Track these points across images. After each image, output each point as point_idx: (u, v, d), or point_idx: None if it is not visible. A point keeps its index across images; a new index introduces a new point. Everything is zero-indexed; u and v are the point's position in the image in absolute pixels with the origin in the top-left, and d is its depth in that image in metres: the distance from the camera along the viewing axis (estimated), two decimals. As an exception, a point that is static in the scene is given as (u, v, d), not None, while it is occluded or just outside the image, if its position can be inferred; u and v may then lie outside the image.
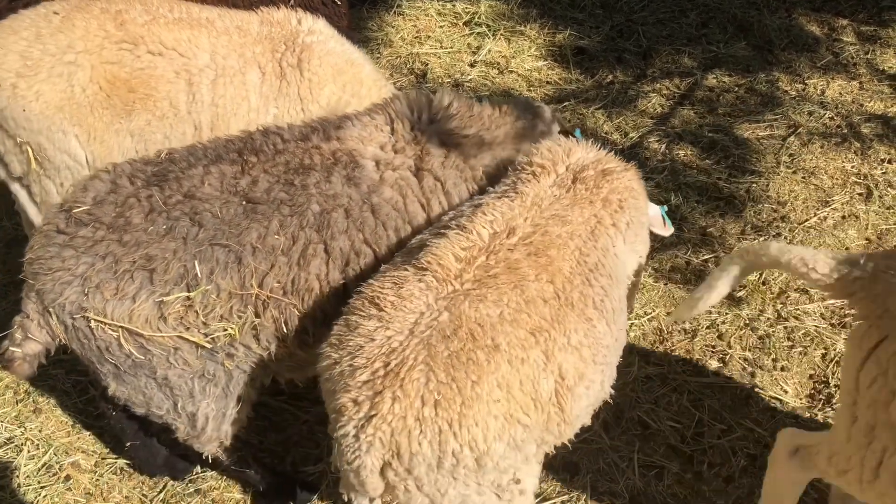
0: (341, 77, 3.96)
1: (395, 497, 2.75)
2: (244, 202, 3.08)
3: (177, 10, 3.87)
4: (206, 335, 3.04)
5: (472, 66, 6.25)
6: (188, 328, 3.00)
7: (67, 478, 3.88)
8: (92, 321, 2.93)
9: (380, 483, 2.67)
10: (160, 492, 3.84)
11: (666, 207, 3.62)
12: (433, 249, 2.85)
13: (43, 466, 3.91)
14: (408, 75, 6.19)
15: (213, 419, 3.26)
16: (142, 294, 2.95)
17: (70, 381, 4.27)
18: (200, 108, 3.75)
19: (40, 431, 4.06)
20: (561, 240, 2.94)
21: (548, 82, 6.11)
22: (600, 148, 3.37)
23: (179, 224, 3.01)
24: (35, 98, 3.63)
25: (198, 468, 3.90)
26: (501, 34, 6.48)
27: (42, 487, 3.84)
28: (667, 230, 3.60)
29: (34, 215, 4.03)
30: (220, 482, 3.87)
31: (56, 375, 4.29)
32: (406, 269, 2.81)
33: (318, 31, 4.02)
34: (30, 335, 3.07)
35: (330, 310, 3.12)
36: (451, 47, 6.43)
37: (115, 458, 3.97)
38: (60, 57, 3.64)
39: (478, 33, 6.52)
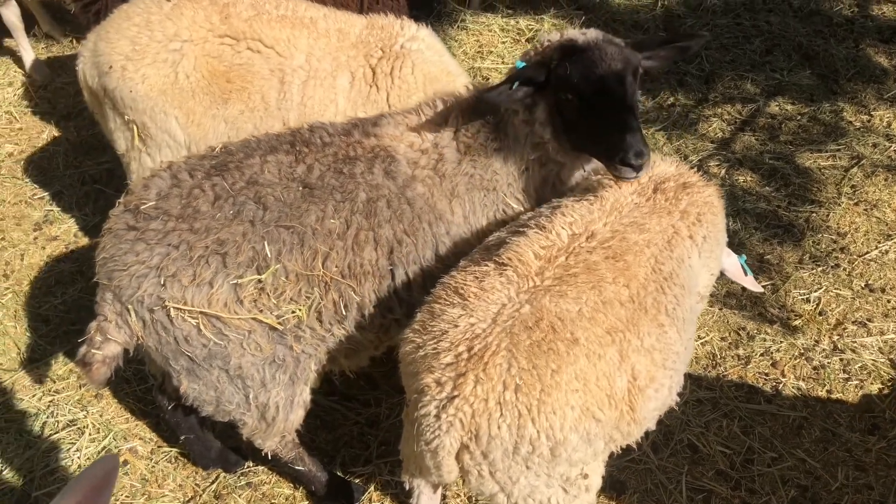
0: (432, 86, 4.03)
1: (467, 482, 2.83)
2: (302, 187, 3.20)
3: (283, 7, 4.02)
4: (277, 317, 3.13)
5: (533, 82, 6.29)
6: (262, 310, 3.10)
7: (125, 462, 4.00)
8: (172, 310, 3.02)
9: (454, 466, 2.76)
10: (212, 482, 3.93)
11: (745, 257, 3.60)
12: (513, 247, 2.96)
13: (102, 450, 4.03)
14: (469, 89, 6.26)
15: (282, 408, 3.35)
16: (218, 278, 3.04)
17: (131, 369, 4.39)
18: (289, 105, 3.90)
19: (101, 416, 4.19)
20: (638, 246, 3.01)
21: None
22: (682, 164, 3.42)
23: (246, 207, 3.11)
24: (141, 81, 3.86)
25: (250, 462, 3.99)
26: (564, 52, 6.51)
27: (100, 470, 3.95)
28: (751, 283, 3.59)
29: None
30: (270, 477, 3.95)
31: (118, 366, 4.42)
32: (486, 265, 2.93)
33: (419, 38, 4.10)
34: (109, 336, 3.13)
35: (382, 294, 3.28)
36: (513, 62, 6.46)
37: (171, 447, 4.08)
38: (166, 44, 3.84)
39: (540, 50, 6.56)
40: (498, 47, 6.68)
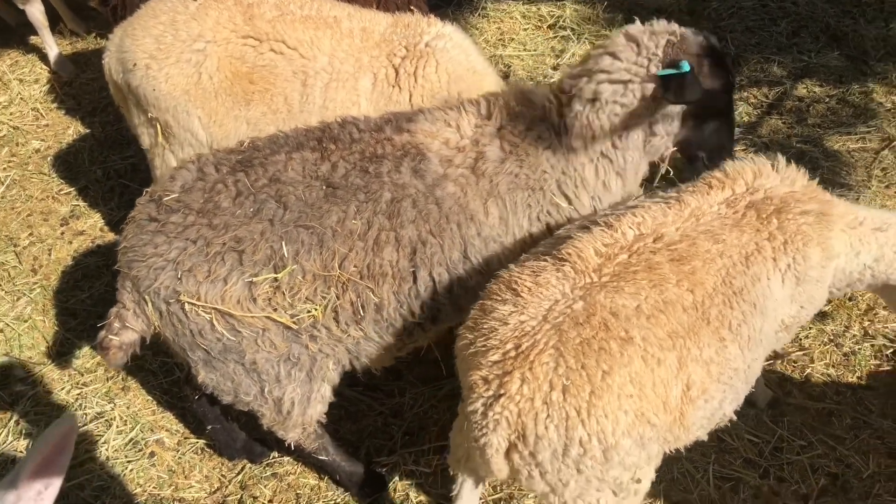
0: (457, 85, 3.98)
1: (518, 482, 2.81)
2: (325, 186, 3.18)
3: (307, 7, 3.99)
4: (291, 316, 3.13)
5: (554, 69, 6.23)
6: (276, 309, 3.10)
7: (152, 454, 4.04)
8: (186, 304, 3.04)
9: (504, 465, 2.74)
10: (238, 473, 3.96)
11: None
12: (575, 242, 2.89)
13: (130, 442, 4.07)
14: (491, 77, 6.22)
15: (298, 404, 3.35)
16: (233, 275, 3.04)
17: (157, 362, 4.43)
18: (312, 108, 3.88)
19: (128, 408, 4.23)
20: (709, 255, 2.90)
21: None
22: (806, 182, 3.20)
23: (266, 206, 3.10)
24: (164, 80, 3.87)
25: (275, 453, 4.01)
26: (586, 38, 6.45)
27: (129, 462, 4.00)
28: None
29: None
30: (296, 467, 3.97)
31: (144, 356, 4.45)
32: (545, 259, 2.88)
33: (445, 36, 4.03)
34: (126, 324, 3.19)
35: (402, 296, 3.23)
36: (535, 50, 6.43)
37: (197, 439, 4.11)
38: (190, 44, 3.85)
39: (562, 37, 6.50)
40: (519, 34, 6.62)
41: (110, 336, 3.19)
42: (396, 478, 3.90)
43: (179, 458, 4.04)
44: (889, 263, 3.26)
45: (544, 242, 3.11)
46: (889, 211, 3.20)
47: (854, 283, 3.33)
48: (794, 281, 3.06)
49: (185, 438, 4.13)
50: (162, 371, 4.40)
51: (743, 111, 5.78)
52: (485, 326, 2.76)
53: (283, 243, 3.07)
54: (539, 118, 3.37)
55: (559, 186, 3.38)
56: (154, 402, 4.28)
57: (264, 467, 3.97)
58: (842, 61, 6.11)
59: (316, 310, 3.14)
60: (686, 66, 3.11)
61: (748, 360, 2.96)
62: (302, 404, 3.36)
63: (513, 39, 6.56)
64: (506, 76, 6.19)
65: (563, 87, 3.36)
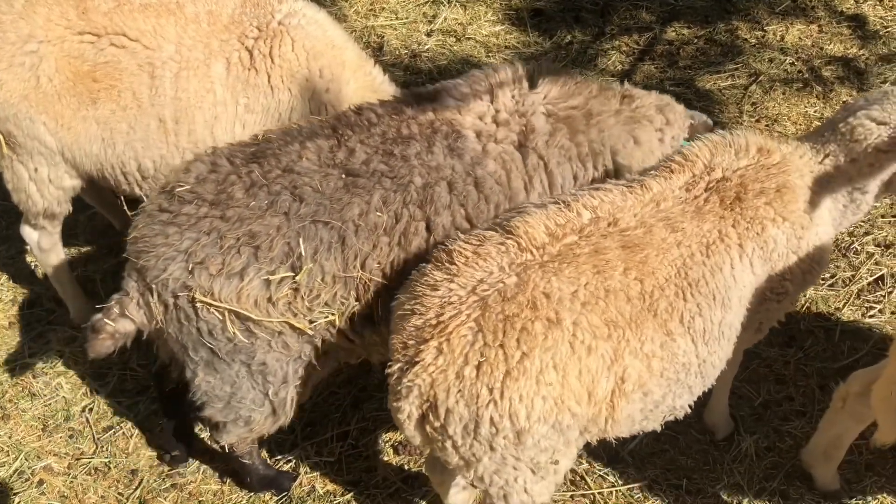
0: (317, 62, 3.82)
1: (434, 452, 2.76)
2: (343, 175, 2.99)
3: None
4: (310, 321, 3.00)
5: (428, 35, 6.14)
6: (295, 314, 2.96)
7: (40, 482, 3.84)
8: (198, 302, 2.89)
9: (416, 433, 2.70)
10: (136, 489, 3.81)
11: None
12: (527, 217, 2.76)
13: (15, 473, 3.86)
14: (364, 49, 6.07)
15: (293, 401, 3.26)
16: (249, 271, 2.89)
17: (39, 382, 4.21)
18: (163, 101, 3.67)
19: (10, 438, 4.00)
20: (665, 244, 2.76)
21: (506, 47, 6.03)
22: (765, 152, 2.98)
23: (280, 198, 2.94)
24: None
25: (167, 467, 3.87)
26: (457, 1, 6.37)
27: (15, 494, 3.79)
28: None
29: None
30: (196, 475, 3.84)
31: (24, 380, 4.23)
32: (494, 230, 2.76)
33: (297, 12, 3.86)
34: (126, 313, 3.05)
35: None
36: (407, 18, 6.31)
37: (90, 459, 3.93)
38: (21, 46, 3.57)
39: (433, 2, 6.40)
40: (390, 3, 6.49)
41: (106, 320, 3.04)
42: (302, 472, 3.82)
43: (71, 481, 3.85)
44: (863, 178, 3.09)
45: (504, 213, 2.97)
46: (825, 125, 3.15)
47: (860, 205, 3.13)
48: (763, 264, 2.93)
49: (77, 460, 3.94)
50: (46, 391, 4.18)
51: (616, 60, 5.82)
52: (416, 290, 2.68)
53: (301, 240, 2.90)
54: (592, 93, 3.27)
55: (613, 156, 3.25)
56: (38, 427, 4.06)
57: (162, 479, 3.83)
58: (707, 1, 6.21)
59: (333, 314, 3.00)
60: None
61: (703, 355, 2.83)
62: (294, 401, 3.25)
63: (384, 9, 6.43)
64: (380, 47, 6.08)
65: None
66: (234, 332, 2.94)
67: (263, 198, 2.94)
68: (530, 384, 2.51)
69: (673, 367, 2.77)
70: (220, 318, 2.93)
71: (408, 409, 2.63)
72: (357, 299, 3.01)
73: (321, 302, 2.97)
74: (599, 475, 3.74)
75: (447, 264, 2.67)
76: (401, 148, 3.05)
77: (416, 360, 2.56)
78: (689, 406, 2.98)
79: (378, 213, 2.96)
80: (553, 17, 6.21)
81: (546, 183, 3.20)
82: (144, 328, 3.09)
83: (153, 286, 2.96)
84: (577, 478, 3.73)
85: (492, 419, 2.53)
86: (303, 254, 2.90)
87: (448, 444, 2.66)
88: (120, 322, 3.06)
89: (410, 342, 2.60)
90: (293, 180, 2.96)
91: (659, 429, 2.98)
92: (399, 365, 2.63)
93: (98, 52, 3.62)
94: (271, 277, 2.90)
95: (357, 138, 3.08)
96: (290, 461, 3.87)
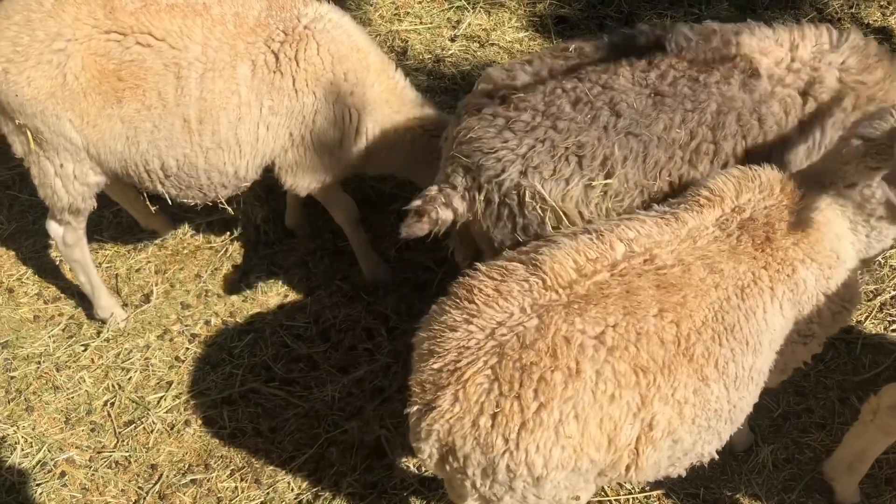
0: (342, 65, 3.89)
1: (453, 488, 2.75)
2: (653, 94, 3.23)
3: None
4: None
5: (452, 40, 6.17)
6: (600, 215, 3.22)
7: (62, 474, 3.88)
8: (526, 199, 3.18)
9: (439, 470, 2.70)
10: (156, 483, 3.85)
11: None
12: (556, 250, 2.67)
13: (38, 464, 3.91)
14: (388, 53, 6.11)
15: None
16: (574, 177, 3.16)
17: (62, 376, 4.26)
18: (188, 101, 3.72)
19: (33, 430, 4.06)
20: (704, 286, 2.66)
21: (530, 53, 6.04)
22: (785, 184, 2.93)
23: (602, 113, 3.19)
24: (27, 84, 3.65)
25: (191, 461, 3.90)
26: (481, 7, 6.39)
27: (38, 485, 3.84)
28: None
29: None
30: (214, 473, 3.87)
31: (48, 373, 4.28)
32: (519, 262, 2.69)
33: (322, 17, 3.93)
34: (449, 202, 3.32)
35: None
36: (431, 23, 6.34)
37: (111, 452, 3.97)
38: (49, 44, 3.63)
39: (457, 7, 6.42)
40: (415, 8, 6.52)
41: (429, 207, 3.30)
42: (322, 473, 3.84)
43: (92, 474, 3.90)
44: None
45: (533, 242, 2.93)
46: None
47: (882, 231, 3.00)
48: (793, 307, 2.87)
49: (98, 453, 3.99)
50: (67, 386, 4.23)
51: (640, 68, 5.81)
52: (435, 327, 2.65)
53: (616, 149, 3.16)
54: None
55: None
56: (61, 420, 4.11)
57: (181, 475, 3.87)
58: (731, 11, 6.20)
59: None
60: None
61: (734, 400, 2.75)
62: None
63: (408, 13, 6.46)
64: (404, 52, 6.11)
65: None
66: (551, 228, 3.21)
67: (587, 112, 3.21)
68: (548, 435, 2.47)
69: (705, 414, 2.68)
70: (541, 216, 3.22)
71: (428, 451, 2.63)
72: (643, 205, 3.21)
73: (624, 205, 3.24)
74: (616, 482, 3.73)
75: (466, 303, 2.62)
76: (704, 75, 3.26)
77: (434, 405, 2.54)
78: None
79: (678, 130, 3.20)
80: (577, 24, 6.21)
81: (818, 139, 3.30)
82: (459, 219, 3.37)
83: (484, 184, 3.24)
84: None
85: (508, 467, 2.51)
86: (616, 162, 3.17)
87: (468, 483, 2.65)
88: (441, 210, 3.33)
89: (428, 386, 2.57)
90: (612, 97, 3.22)
91: (684, 474, 2.92)
92: (418, 406, 2.60)
93: (124, 50, 3.67)
94: (593, 183, 3.18)
95: (668, 62, 3.29)
96: (310, 463, 3.89)
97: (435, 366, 2.56)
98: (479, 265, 2.80)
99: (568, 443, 2.47)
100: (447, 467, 2.64)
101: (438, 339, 2.60)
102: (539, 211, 3.21)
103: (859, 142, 2.81)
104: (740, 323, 2.70)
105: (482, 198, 3.28)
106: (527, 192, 3.18)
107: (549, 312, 2.52)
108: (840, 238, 2.93)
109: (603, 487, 3.70)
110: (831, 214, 2.92)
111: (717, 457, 2.91)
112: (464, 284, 2.70)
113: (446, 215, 3.35)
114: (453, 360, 2.53)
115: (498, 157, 3.20)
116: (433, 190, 3.35)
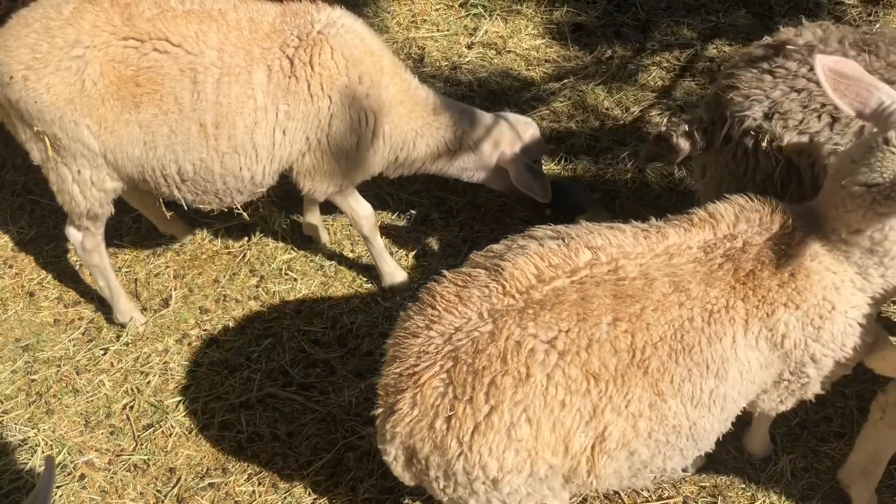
0: (357, 69, 3.93)
1: (425, 488, 2.81)
2: None
3: (188, 2, 3.85)
4: None
5: (469, 48, 6.19)
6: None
7: (82, 476, 3.91)
8: (764, 142, 3.15)
9: (404, 473, 2.76)
10: (174, 486, 3.87)
11: None
12: (519, 256, 2.66)
13: (57, 466, 3.94)
14: (405, 60, 6.14)
15: None
16: (820, 136, 3.09)
17: (82, 379, 4.29)
18: (205, 105, 3.76)
19: (53, 432, 4.09)
20: (666, 301, 2.63)
21: (546, 60, 6.06)
22: (785, 222, 2.80)
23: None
24: (45, 90, 3.69)
25: (209, 465, 3.93)
26: (498, 14, 6.41)
27: (58, 487, 3.87)
28: None
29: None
30: (232, 476, 3.89)
31: (68, 377, 4.32)
32: (483, 269, 2.71)
33: (335, 22, 3.98)
34: (691, 134, 3.40)
35: None
36: (448, 30, 6.37)
37: (129, 455, 4.00)
38: (68, 51, 3.67)
39: (474, 14, 6.45)
40: (431, 15, 6.55)
41: (672, 133, 3.41)
42: (340, 479, 3.85)
43: (111, 477, 3.92)
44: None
45: (504, 247, 2.84)
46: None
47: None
48: (773, 348, 2.78)
49: (117, 456, 4.01)
50: (87, 389, 4.26)
51: (656, 76, 5.83)
52: (399, 333, 2.74)
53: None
54: None
55: None
56: (81, 423, 4.14)
57: (199, 478, 3.89)
58: (749, 19, 6.20)
59: None
60: None
61: (693, 419, 2.71)
62: None
63: (425, 21, 6.49)
64: (420, 59, 6.14)
65: None
66: (779, 187, 3.18)
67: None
68: (500, 438, 2.52)
69: (663, 429, 2.67)
70: (773, 166, 3.18)
71: (393, 453, 2.70)
72: None
73: None
74: (633, 490, 3.73)
75: (429, 308, 2.68)
76: None
77: (395, 408, 2.62)
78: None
79: None
80: (594, 31, 6.23)
81: None
82: (695, 152, 3.44)
83: (728, 118, 3.26)
84: (611, 492, 3.72)
85: (464, 469, 2.57)
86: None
87: (434, 485, 2.72)
88: (682, 140, 3.41)
89: (391, 389, 2.66)
90: (892, 75, 3.11)
91: (652, 487, 2.92)
92: (382, 409, 2.71)
93: (141, 56, 3.72)
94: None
95: None
96: (327, 467, 3.90)
97: (397, 370, 2.64)
98: (444, 272, 2.82)
99: (521, 446, 2.53)
100: (413, 469, 2.72)
101: (401, 345, 2.69)
102: (773, 160, 3.17)
103: (863, 189, 2.62)
104: (700, 345, 2.65)
105: (723, 133, 3.28)
106: (766, 137, 3.16)
107: (503, 317, 2.57)
108: (839, 287, 2.78)
109: (619, 494, 3.70)
110: (829, 262, 2.78)
111: (680, 472, 2.94)
112: (429, 290, 2.77)
113: (685, 146, 3.40)
114: (412, 364, 2.61)
115: (747, 94, 3.21)
116: (681, 121, 3.43)
